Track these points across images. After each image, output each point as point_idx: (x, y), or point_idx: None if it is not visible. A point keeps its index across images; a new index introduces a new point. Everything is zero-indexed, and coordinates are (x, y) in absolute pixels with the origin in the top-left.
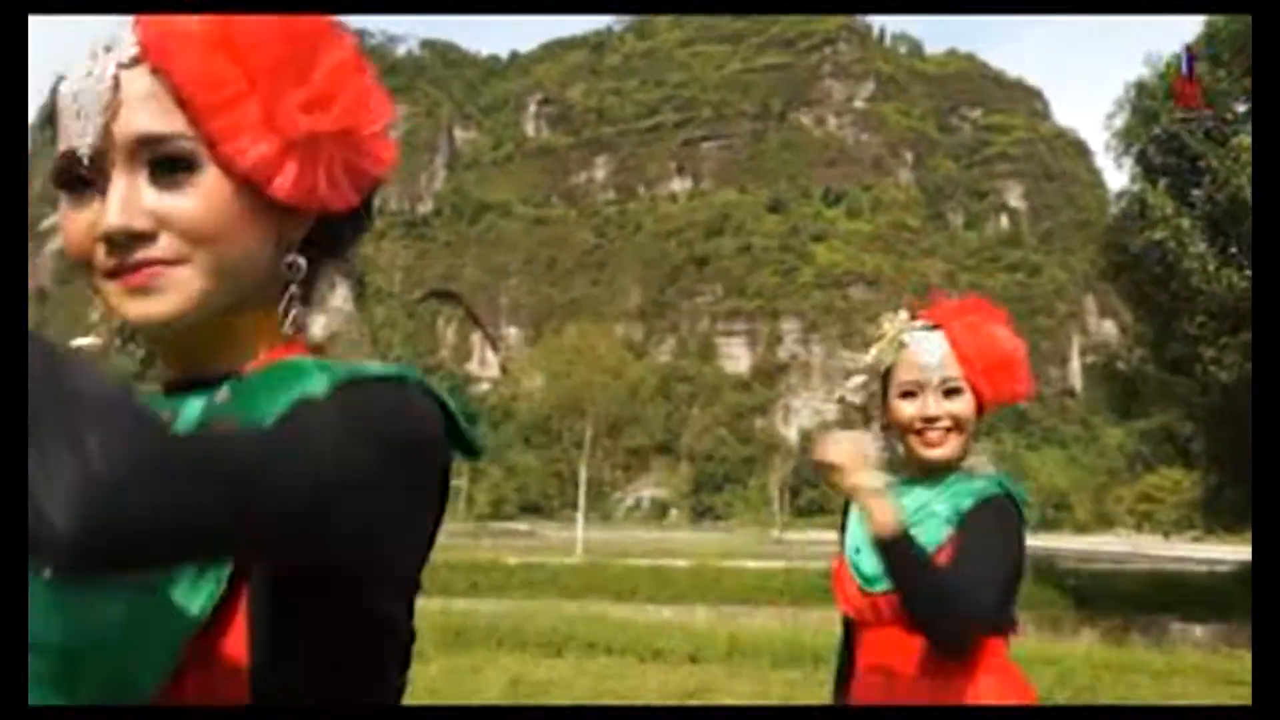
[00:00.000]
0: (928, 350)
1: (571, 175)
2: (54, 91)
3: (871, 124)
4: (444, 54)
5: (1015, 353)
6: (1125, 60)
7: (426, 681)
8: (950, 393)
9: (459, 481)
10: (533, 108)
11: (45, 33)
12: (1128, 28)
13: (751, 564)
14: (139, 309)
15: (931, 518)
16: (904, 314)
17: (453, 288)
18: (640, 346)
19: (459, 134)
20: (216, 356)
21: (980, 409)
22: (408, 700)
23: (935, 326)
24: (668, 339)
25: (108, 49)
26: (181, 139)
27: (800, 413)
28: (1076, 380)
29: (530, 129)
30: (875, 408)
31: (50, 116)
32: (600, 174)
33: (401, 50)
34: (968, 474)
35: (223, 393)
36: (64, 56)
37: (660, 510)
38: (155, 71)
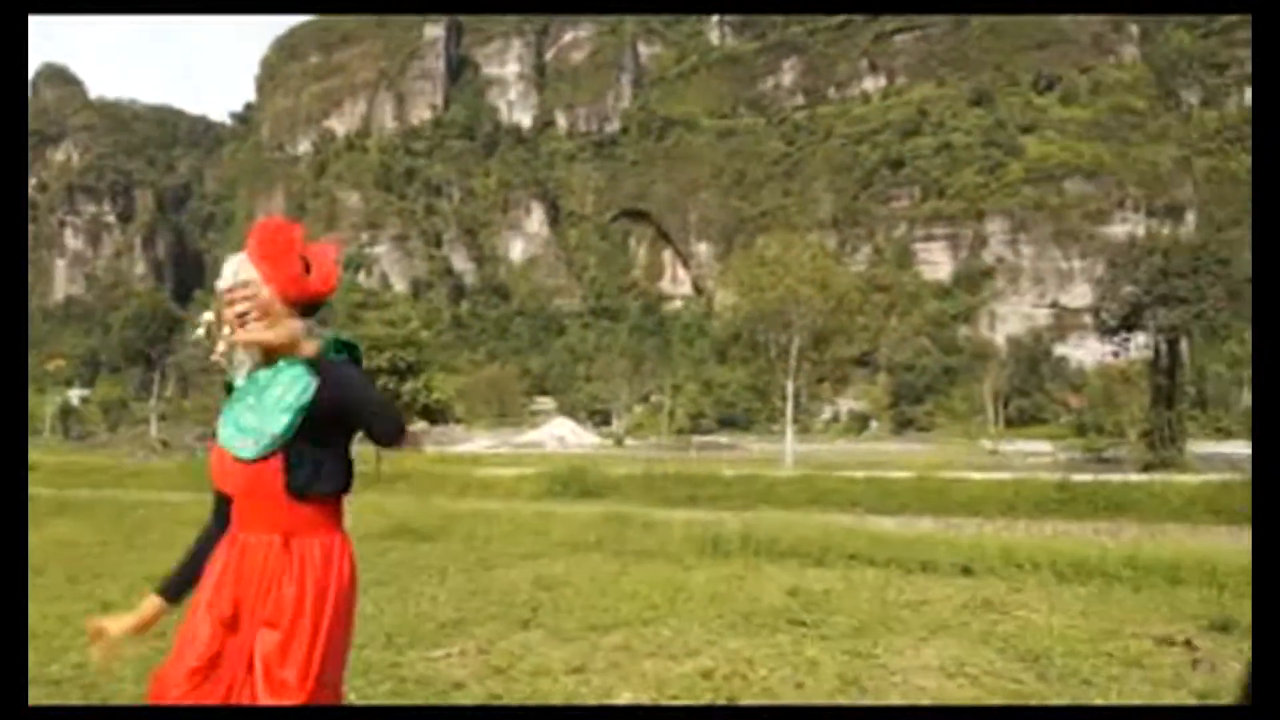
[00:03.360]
0: None
1: (758, 82)
2: None
3: None
4: None
5: None
6: None
7: (699, 587)
8: None
9: (661, 398)
10: (715, 15)
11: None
12: None
13: (976, 475)
14: None
15: None
16: None
17: (642, 206)
18: (835, 256)
19: (643, 49)
20: None
21: None
22: (710, 608)
23: None
24: (863, 247)
25: None
26: None
27: (1008, 319)
28: None
29: (714, 37)
30: None
31: None
32: (787, 79)
33: None
34: None
35: None
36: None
37: (860, 422)
38: None
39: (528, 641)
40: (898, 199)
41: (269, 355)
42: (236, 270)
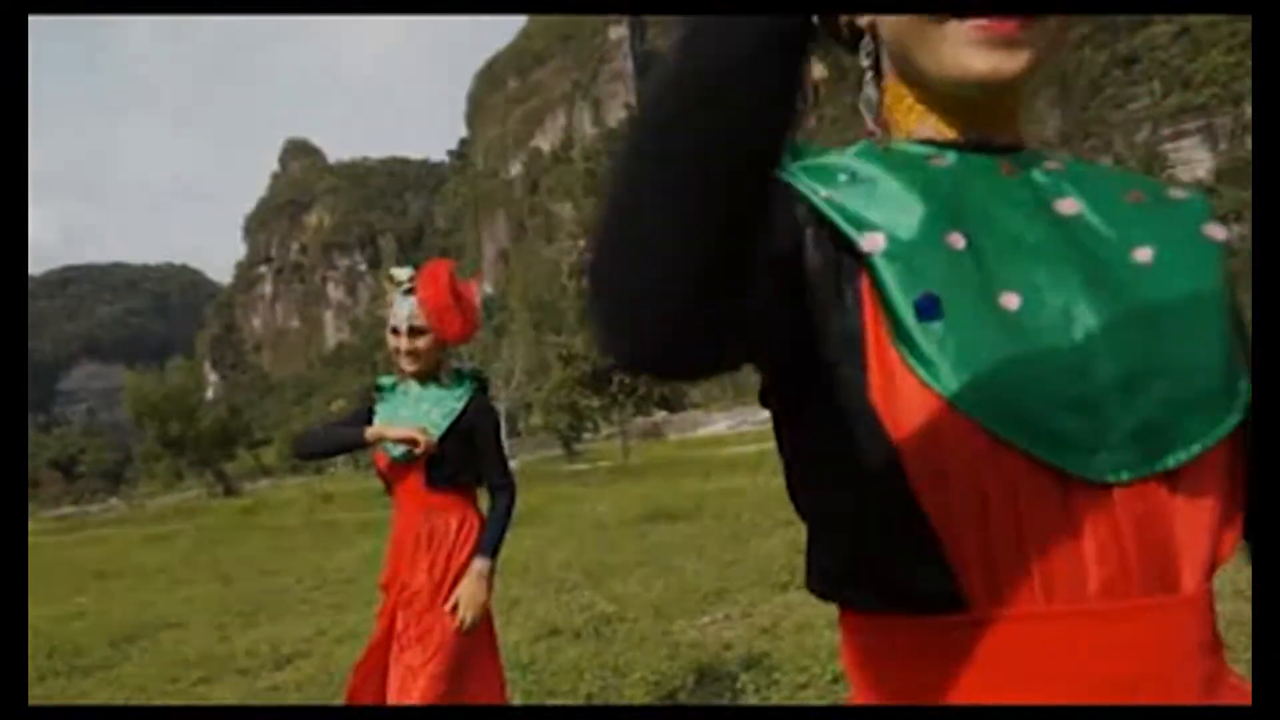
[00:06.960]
0: None
1: None
2: None
3: None
4: None
5: None
6: None
7: None
8: None
9: None
10: None
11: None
12: None
13: None
14: (993, 62)
15: None
16: None
17: None
18: None
19: None
20: (1001, 124)
21: None
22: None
23: None
24: (1101, 159)
25: None
26: None
27: None
28: None
29: None
30: None
31: None
32: None
33: None
34: None
35: (1054, 164)
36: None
37: None
38: None
39: (788, 602)
40: (1135, 99)
41: (418, 375)
42: (410, 315)
